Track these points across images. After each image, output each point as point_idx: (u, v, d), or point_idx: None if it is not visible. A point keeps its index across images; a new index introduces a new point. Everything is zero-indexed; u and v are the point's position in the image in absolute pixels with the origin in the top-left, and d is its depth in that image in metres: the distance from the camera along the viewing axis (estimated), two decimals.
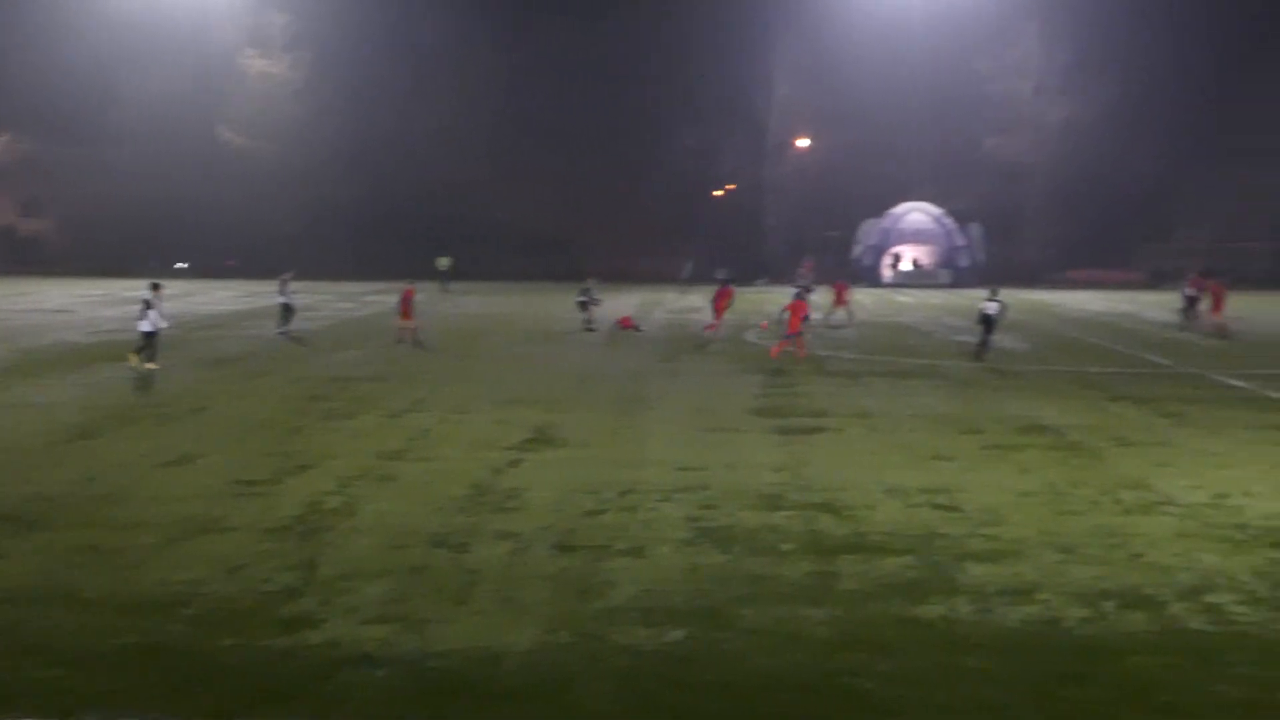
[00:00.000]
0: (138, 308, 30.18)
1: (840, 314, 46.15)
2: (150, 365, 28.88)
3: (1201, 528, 14.44)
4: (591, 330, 42.09)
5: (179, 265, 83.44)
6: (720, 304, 40.76)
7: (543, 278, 79.82)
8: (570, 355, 34.53)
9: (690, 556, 13.22)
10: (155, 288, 30.37)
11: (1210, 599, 11.76)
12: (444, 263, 72.96)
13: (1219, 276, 48.26)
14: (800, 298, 35.24)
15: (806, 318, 34.37)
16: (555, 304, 52.93)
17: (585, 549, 13.46)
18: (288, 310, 39.33)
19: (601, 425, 21.85)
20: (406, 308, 36.56)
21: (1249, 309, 51.62)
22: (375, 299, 57.89)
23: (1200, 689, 9.65)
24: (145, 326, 29.34)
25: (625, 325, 42.43)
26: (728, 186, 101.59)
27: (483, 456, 18.70)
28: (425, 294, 41.25)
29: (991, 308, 33.45)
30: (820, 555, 13.24)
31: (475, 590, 12.04)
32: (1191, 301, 46.04)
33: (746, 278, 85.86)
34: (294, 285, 40.27)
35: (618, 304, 55.47)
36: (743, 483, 16.82)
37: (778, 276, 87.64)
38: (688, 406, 24.32)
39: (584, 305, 44.07)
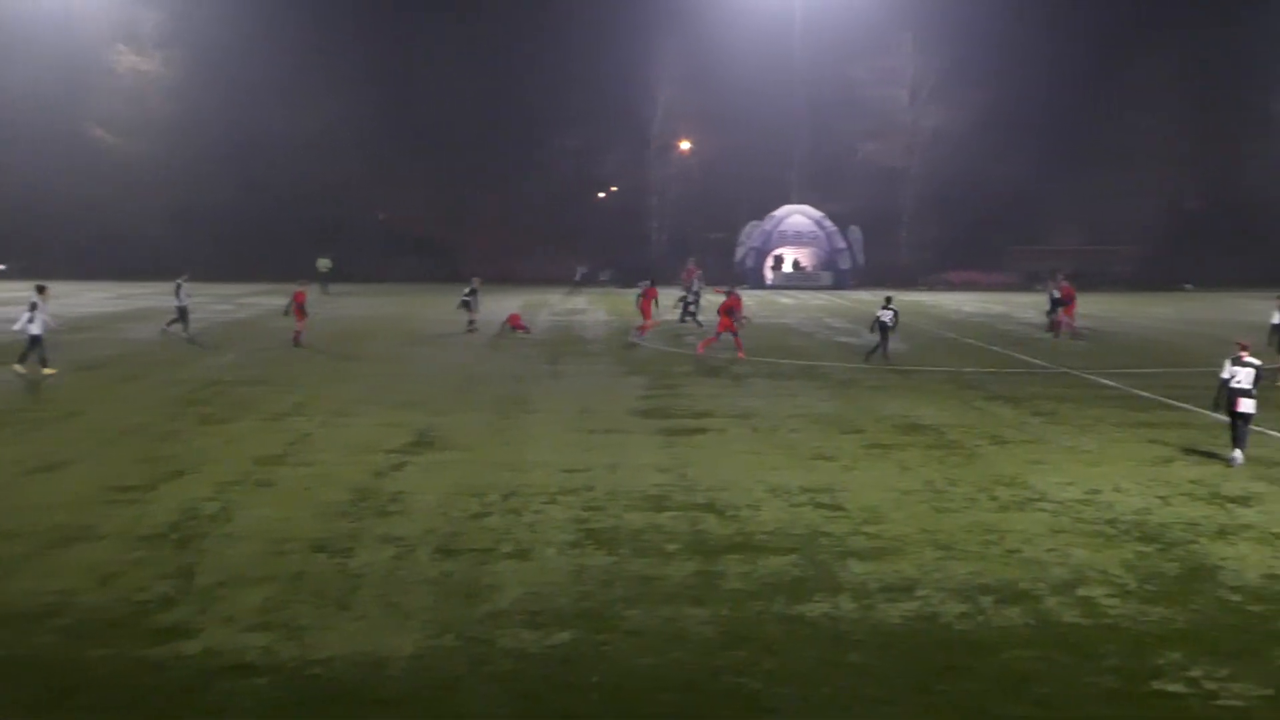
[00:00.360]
0: (24, 311, 29.12)
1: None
2: (48, 370, 28.06)
3: (1074, 523, 14.81)
4: (473, 331, 41.98)
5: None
6: (647, 305, 40.98)
7: (425, 279, 79.16)
8: (453, 358, 34.26)
9: (576, 558, 13.19)
10: (41, 290, 29.44)
11: (1083, 592, 12.07)
12: (324, 264, 71.91)
13: (1072, 280, 50.00)
14: (733, 293, 36.49)
15: (731, 312, 35.27)
16: (437, 306, 52.47)
17: (470, 552, 13.36)
18: (183, 313, 39.05)
19: (485, 428, 21.72)
20: (298, 309, 36.72)
21: (1117, 310, 53.17)
22: (252, 301, 56.86)
23: (1074, 681, 9.89)
24: (34, 329, 28.41)
25: (514, 325, 42.26)
26: (610, 189, 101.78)
27: (365, 460, 18.46)
28: (306, 296, 40.78)
29: (886, 315, 34.03)
30: (705, 555, 13.31)
31: (357, 596, 11.87)
32: (1056, 303, 47.51)
33: (630, 280, 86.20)
34: (187, 288, 39.75)
35: (503, 305, 55.24)
36: (627, 484, 16.84)
37: (661, 279, 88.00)
38: (572, 408, 24.29)
39: (466, 305, 43.94)
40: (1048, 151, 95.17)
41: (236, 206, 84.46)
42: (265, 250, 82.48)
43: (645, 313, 41.02)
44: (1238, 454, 18.69)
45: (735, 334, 34.88)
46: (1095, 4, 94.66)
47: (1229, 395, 18.76)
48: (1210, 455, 19.34)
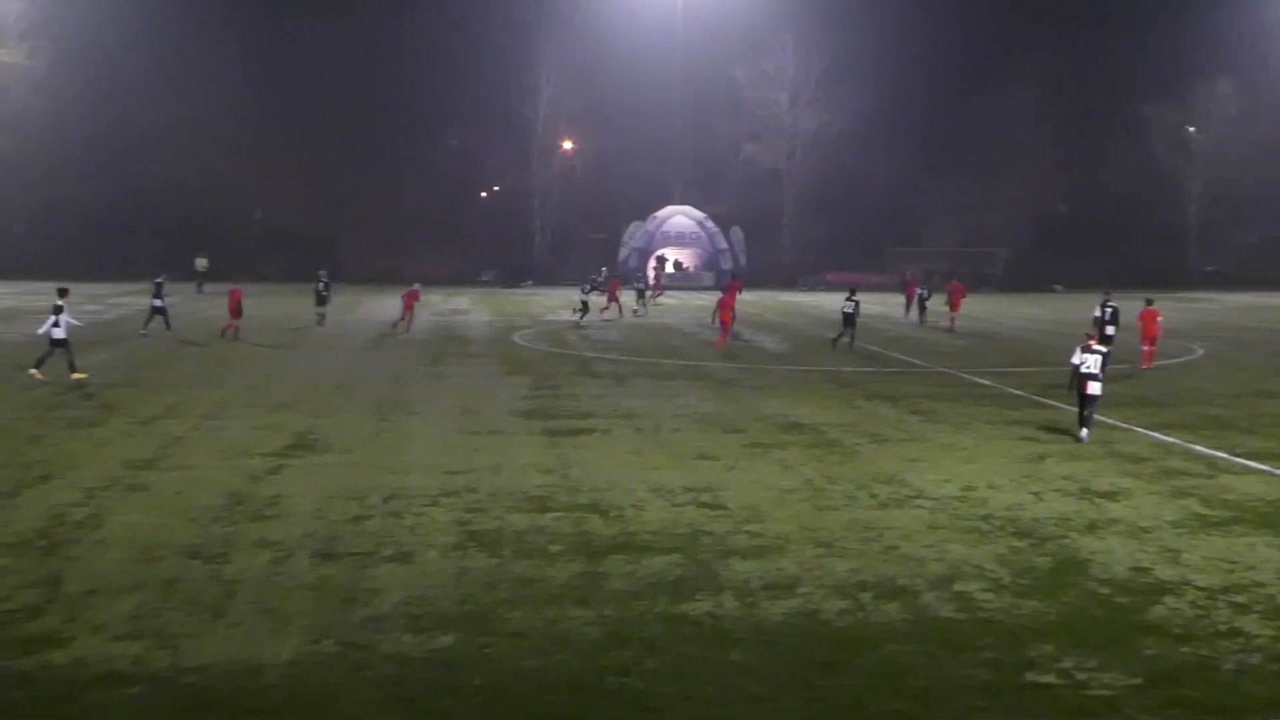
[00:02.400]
0: (48, 315, 27.87)
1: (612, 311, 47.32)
2: (77, 375, 27.10)
3: (950, 520, 15.09)
4: (321, 325, 43.36)
5: None
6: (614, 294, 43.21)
7: (304, 278, 77.87)
8: (332, 358, 33.78)
9: (458, 561, 13.07)
10: (63, 293, 28.40)
11: (959, 587, 12.29)
12: (202, 264, 70.51)
13: (921, 278, 52.28)
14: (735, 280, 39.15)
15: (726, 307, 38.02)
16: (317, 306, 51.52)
17: (350, 556, 13.16)
18: (159, 312, 39.63)
19: (365, 430, 21.43)
20: (235, 306, 38.39)
21: (990, 311, 54.36)
22: (123, 301, 55.42)
23: (950, 674, 10.07)
24: (59, 333, 27.34)
25: (411, 301, 42.79)
26: (493, 188, 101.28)
27: (240, 464, 18.09)
28: (181, 295, 40.25)
29: (849, 306, 36.95)
30: (589, 556, 13.29)
31: (233, 602, 11.62)
32: (922, 301, 49.30)
33: (514, 279, 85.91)
34: (168, 288, 40.89)
35: (378, 306, 54.66)
36: (510, 485, 16.75)
37: (544, 278, 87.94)
38: (453, 409, 24.10)
39: (320, 299, 44.76)
40: (924, 155, 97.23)
41: (105, 204, 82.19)
42: (136, 249, 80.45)
43: (612, 297, 43.92)
44: (1085, 432, 20.69)
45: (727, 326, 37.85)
46: (970, 14, 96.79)
47: (1080, 379, 20.77)
48: (1076, 455, 19.86)
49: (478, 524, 14.60)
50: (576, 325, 46.02)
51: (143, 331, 39.18)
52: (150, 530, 14.06)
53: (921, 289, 50.26)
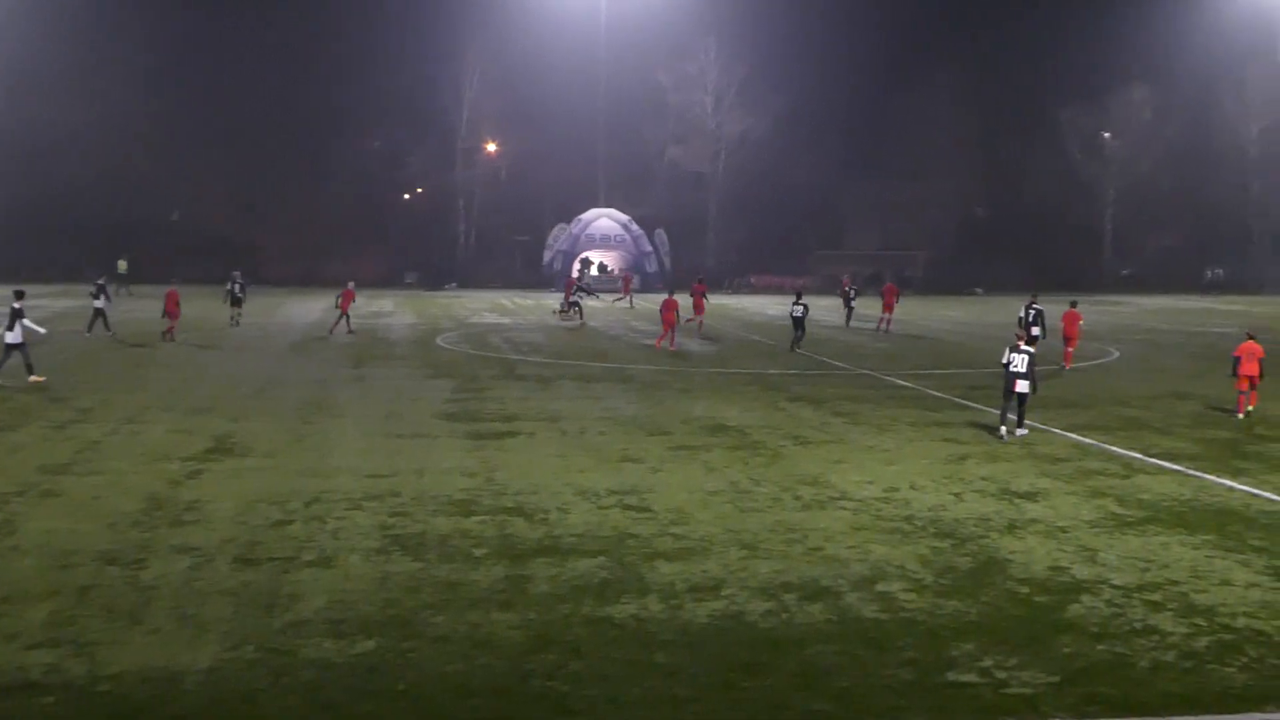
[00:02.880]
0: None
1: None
2: (35, 378, 26.79)
3: (873, 520, 15.22)
4: (236, 325, 43.91)
5: None
6: (568, 290, 42.50)
7: (222, 280, 76.74)
8: (253, 361, 33.38)
9: (381, 565, 12.96)
10: (20, 295, 27.85)
11: (882, 588, 12.40)
12: (122, 265, 69.47)
13: (856, 281, 53.68)
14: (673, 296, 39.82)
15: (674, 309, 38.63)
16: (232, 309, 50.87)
17: (270, 561, 13.00)
18: (100, 314, 40.15)
19: (287, 433, 21.19)
20: (173, 306, 38.87)
21: (912, 313, 54.94)
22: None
23: (872, 674, 10.15)
24: (12, 338, 26.84)
25: (347, 302, 42.33)
26: (417, 190, 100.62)
27: (159, 468, 17.81)
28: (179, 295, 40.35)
29: (798, 310, 38.61)
30: (513, 559, 13.23)
31: (151, 609, 11.42)
32: (849, 302, 50.22)
33: (437, 281, 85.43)
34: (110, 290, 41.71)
35: (307, 308, 54.13)
36: (434, 488, 16.65)
37: (468, 280, 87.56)
38: (377, 413, 23.90)
39: (235, 300, 45.31)
40: (847, 159, 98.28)
41: (17, 206, 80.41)
42: (49, 252, 78.92)
43: (567, 292, 43.65)
44: (1018, 430, 21.61)
45: (673, 329, 38.34)
46: (891, 19, 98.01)
47: (1008, 378, 21.45)
48: (997, 456, 20.13)
49: (401, 528, 14.49)
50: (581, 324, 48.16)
51: (87, 334, 39.37)
52: (66, 536, 13.78)
53: (851, 289, 51.12)
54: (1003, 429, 21.52)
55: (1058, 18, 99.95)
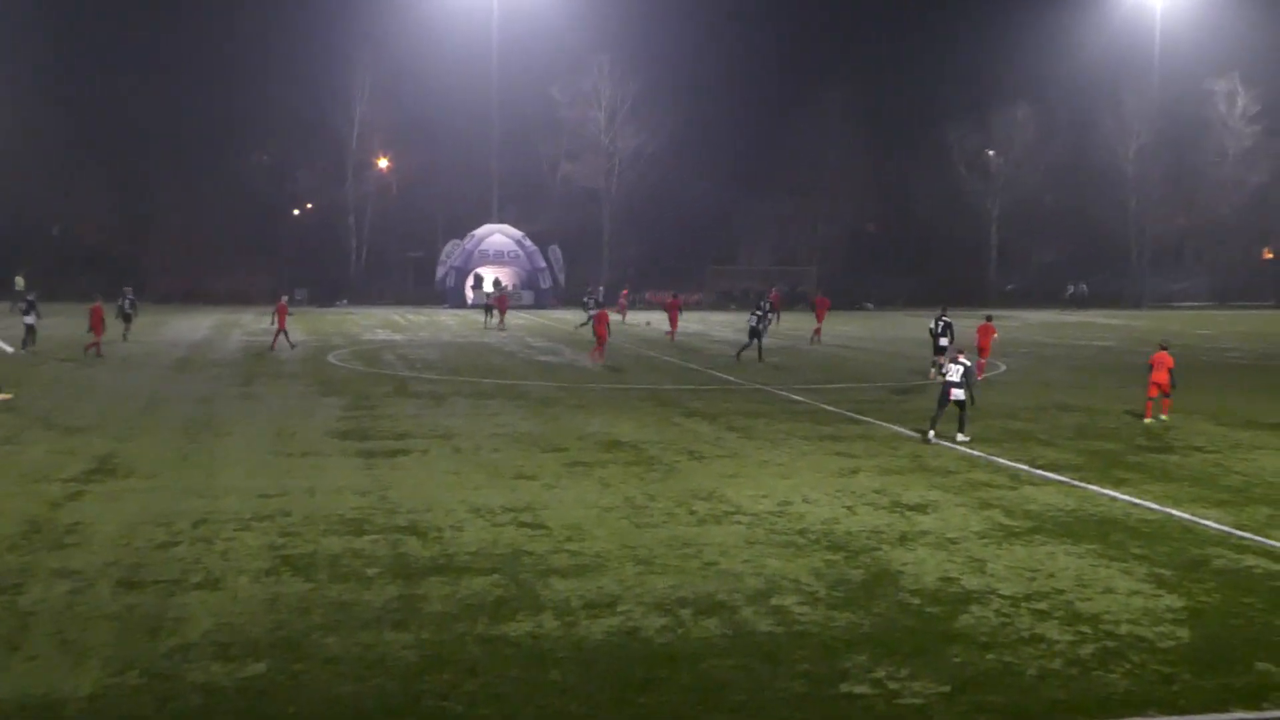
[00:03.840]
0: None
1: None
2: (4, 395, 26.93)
3: (768, 534, 15.31)
4: (124, 341, 43.76)
5: None
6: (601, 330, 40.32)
7: (105, 297, 74.94)
8: (138, 379, 32.64)
9: (271, 586, 12.72)
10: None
11: (776, 601, 12.47)
12: (20, 281, 67.71)
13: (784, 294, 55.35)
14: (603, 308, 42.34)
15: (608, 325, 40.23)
16: (118, 325, 49.74)
17: (155, 584, 12.69)
18: (31, 330, 40.57)
19: (173, 453, 20.74)
20: (97, 322, 38.98)
21: (804, 328, 55.44)
22: None
23: (766, 687, 10.20)
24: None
25: (282, 316, 42.80)
26: (306, 205, 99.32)
27: (37, 490, 17.30)
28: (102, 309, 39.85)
29: (753, 320, 40.70)
30: (406, 578, 13.08)
31: (29, 635, 11.08)
32: (759, 323, 50.79)
33: (328, 298, 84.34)
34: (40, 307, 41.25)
35: (193, 325, 53.08)
36: (326, 508, 16.40)
37: (359, 297, 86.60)
38: (266, 431, 23.50)
39: (126, 317, 45.51)
40: (740, 175, 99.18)
41: None
42: None
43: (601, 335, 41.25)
44: (959, 436, 23.07)
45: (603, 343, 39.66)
46: (781, 37, 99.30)
47: (944, 387, 23.17)
48: (888, 469, 20.41)
49: (291, 548, 14.24)
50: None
51: (22, 350, 39.88)
52: None
53: (765, 305, 52.12)
54: (931, 433, 23.04)
55: (944, 38, 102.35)
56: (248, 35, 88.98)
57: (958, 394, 22.88)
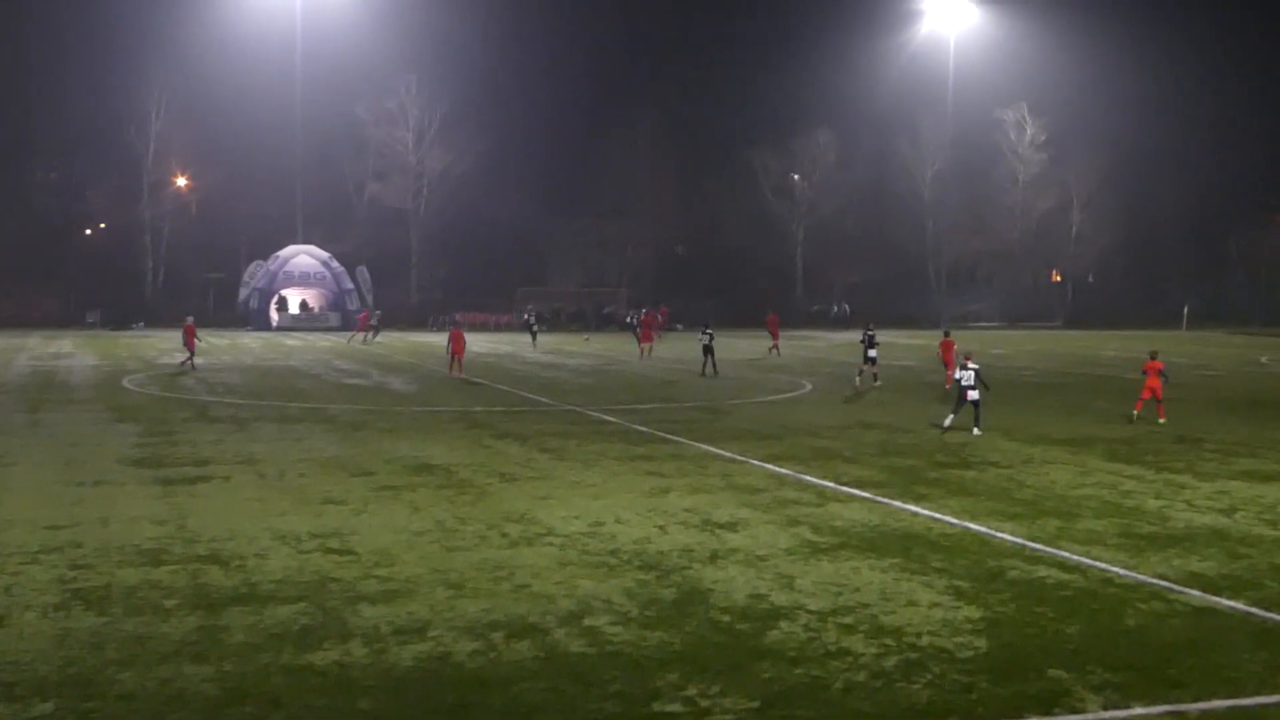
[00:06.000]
0: None
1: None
2: None
3: (580, 555, 15.28)
4: None
5: None
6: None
7: None
8: None
9: (60, 621, 12.13)
10: None
11: (588, 622, 12.44)
12: None
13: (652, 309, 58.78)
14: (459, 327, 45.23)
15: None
16: None
17: None
18: None
19: None
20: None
21: (614, 349, 55.83)
22: None
23: (579, 708, 10.14)
24: None
25: (190, 338, 44.29)
26: (99, 225, 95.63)
27: None
28: None
29: (705, 339, 44.02)
30: (207, 609, 12.63)
31: None
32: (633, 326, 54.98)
33: (122, 321, 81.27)
34: None
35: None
36: (120, 538, 15.73)
37: (156, 319, 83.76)
38: (54, 460, 22.47)
39: None
40: (548, 197, 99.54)
41: None
42: None
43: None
44: (975, 430, 27.04)
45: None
46: (589, 60, 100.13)
47: (960, 389, 27.13)
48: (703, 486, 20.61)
49: (83, 581, 13.61)
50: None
51: None
52: None
53: (633, 317, 56.45)
54: (946, 421, 27.54)
55: (750, 64, 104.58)
56: (35, 46, 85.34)
57: (973, 395, 26.82)
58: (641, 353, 53.42)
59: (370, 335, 65.90)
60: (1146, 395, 29.93)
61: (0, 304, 79.70)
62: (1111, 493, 20.25)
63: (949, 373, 37.02)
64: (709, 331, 44.21)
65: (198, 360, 45.71)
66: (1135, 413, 30.02)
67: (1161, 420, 29.45)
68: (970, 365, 27.21)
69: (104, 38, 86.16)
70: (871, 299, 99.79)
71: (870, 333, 39.19)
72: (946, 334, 41.46)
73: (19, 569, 14.07)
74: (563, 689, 10.54)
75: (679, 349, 58.60)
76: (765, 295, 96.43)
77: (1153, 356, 30.24)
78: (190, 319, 46.97)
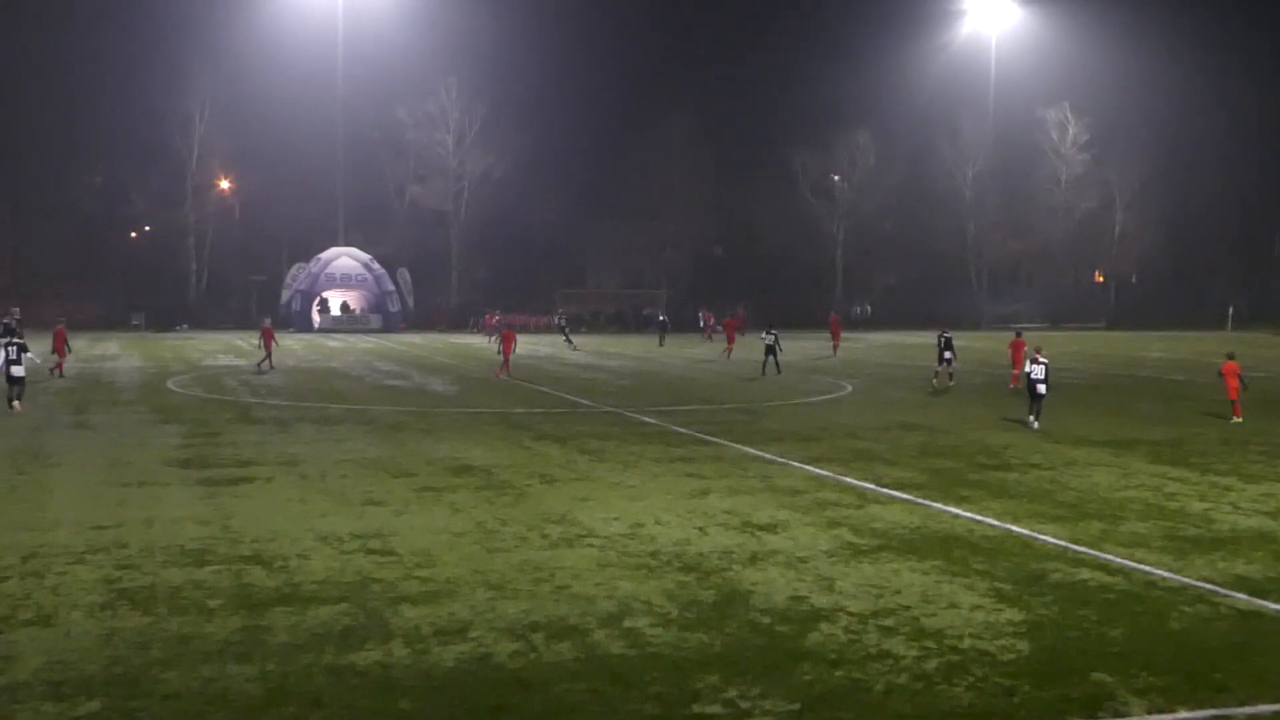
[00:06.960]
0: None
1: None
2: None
3: (620, 557, 15.29)
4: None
5: None
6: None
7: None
8: None
9: (106, 621, 12.26)
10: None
11: (628, 624, 12.45)
12: None
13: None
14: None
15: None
16: None
17: None
18: None
19: None
20: (60, 344, 40.25)
21: (653, 351, 55.81)
22: None
23: (618, 710, 10.16)
24: (19, 371, 29.29)
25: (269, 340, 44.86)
26: (145, 228, 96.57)
27: None
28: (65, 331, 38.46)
29: (769, 339, 44.14)
30: (250, 609, 12.73)
31: None
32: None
33: (167, 323, 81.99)
34: None
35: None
36: (165, 539, 15.89)
37: (200, 322, 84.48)
38: (101, 461, 22.71)
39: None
40: (588, 199, 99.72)
41: None
42: None
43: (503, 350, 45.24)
44: (1034, 421, 28.05)
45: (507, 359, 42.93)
46: (628, 62, 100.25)
47: (1030, 383, 28.22)
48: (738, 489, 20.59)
49: (128, 581, 13.75)
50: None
51: None
52: None
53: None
54: (1034, 422, 28.10)
55: (788, 64, 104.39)
56: (82, 52, 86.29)
57: (1041, 389, 27.87)
58: (726, 352, 55.58)
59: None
60: (1234, 396, 30.24)
61: (44, 306, 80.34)
62: (1155, 495, 20.08)
63: (1015, 372, 37.47)
64: (773, 332, 44.69)
65: (253, 362, 46.59)
66: (1235, 418, 29.91)
67: (1238, 419, 29.71)
68: (1041, 359, 28.28)
69: (148, 42, 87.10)
70: (909, 299, 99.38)
71: (947, 335, 40.21)
72: (1018, 334, 41.94)
73: (66, 569, 14.24)
74: (603, 690, 10.55)
75: (717, 350, 58.56)
76: (806, 296, 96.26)
77: (1230, 358, 30.61)
78: (268, 320, 47.68)
